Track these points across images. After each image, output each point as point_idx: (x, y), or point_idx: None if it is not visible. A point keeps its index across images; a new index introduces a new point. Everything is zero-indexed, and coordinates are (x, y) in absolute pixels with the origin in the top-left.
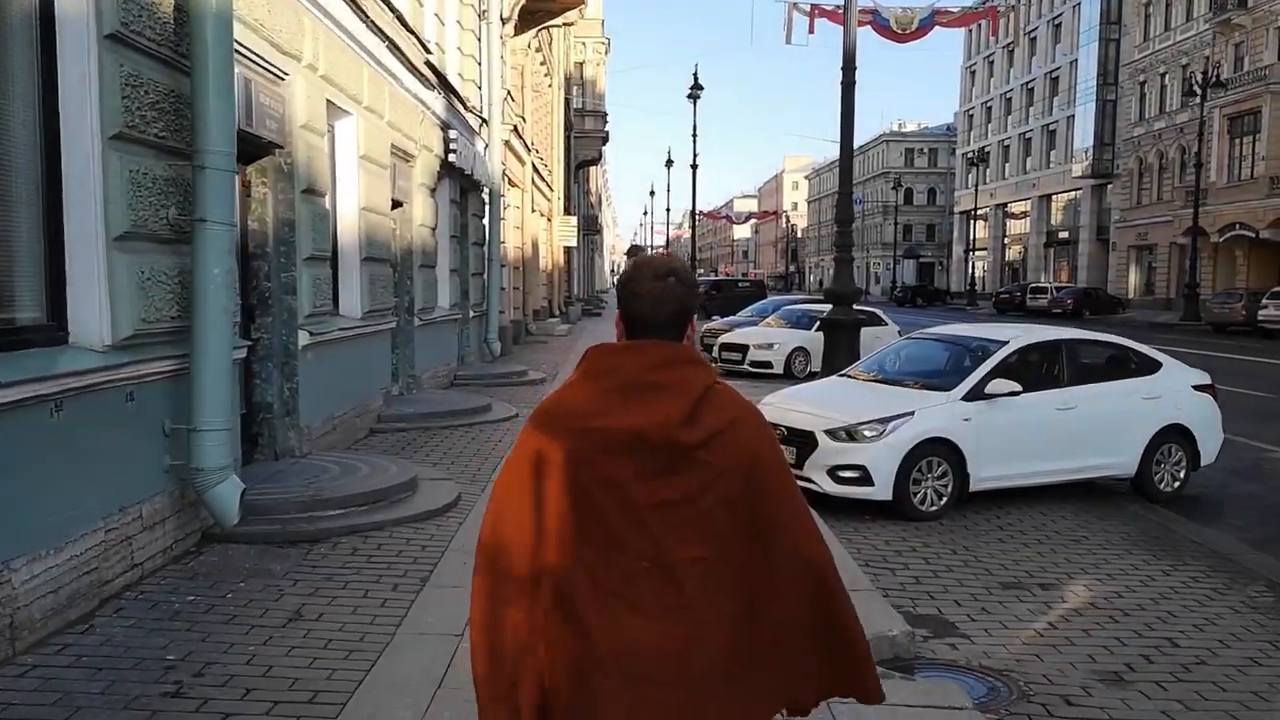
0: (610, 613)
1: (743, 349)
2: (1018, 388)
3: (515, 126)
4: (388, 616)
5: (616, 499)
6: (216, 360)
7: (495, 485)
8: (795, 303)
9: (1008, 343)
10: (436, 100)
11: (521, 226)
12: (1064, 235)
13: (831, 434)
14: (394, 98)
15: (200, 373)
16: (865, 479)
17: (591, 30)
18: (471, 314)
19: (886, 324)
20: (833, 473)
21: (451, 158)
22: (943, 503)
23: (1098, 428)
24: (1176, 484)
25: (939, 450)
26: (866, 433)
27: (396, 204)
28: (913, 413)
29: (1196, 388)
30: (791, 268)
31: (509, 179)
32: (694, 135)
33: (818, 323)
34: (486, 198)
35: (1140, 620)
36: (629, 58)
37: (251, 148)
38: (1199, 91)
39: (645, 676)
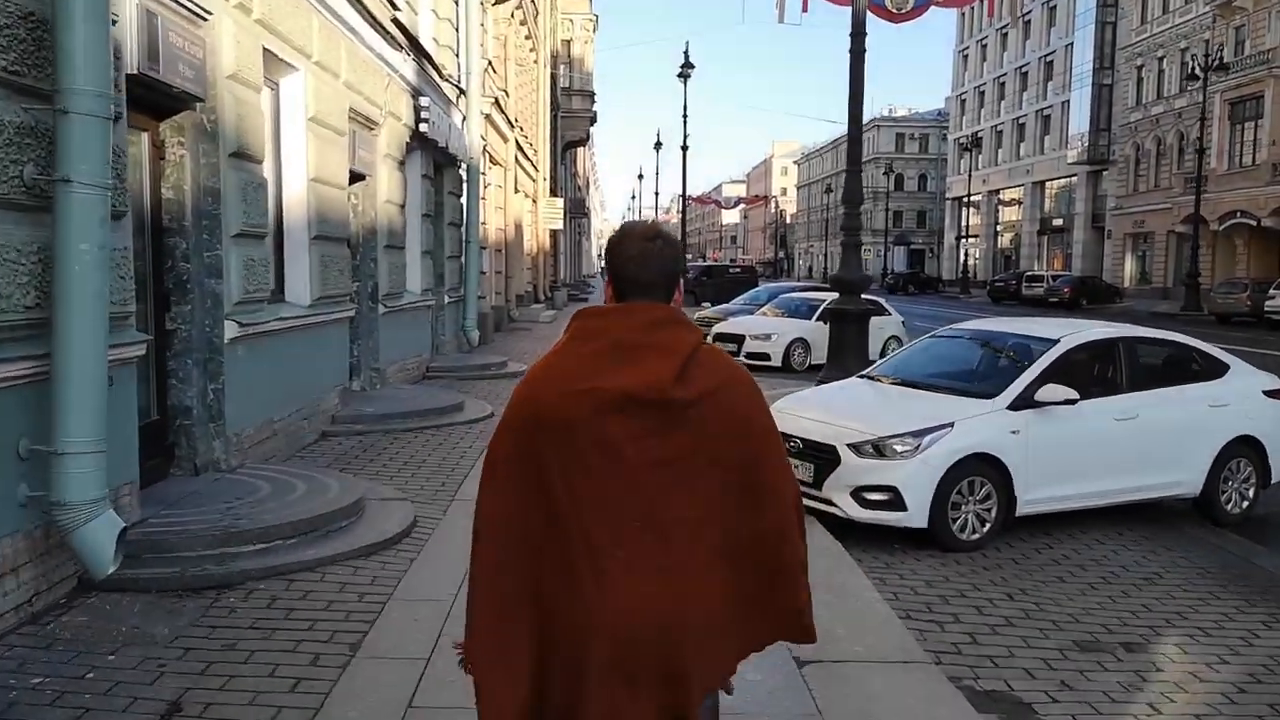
0: (604, 573)
1: (738, 339)
2: (1075, 395)
3: (497, 100)
4: (298, 709)
5: (610, 459)
6: (85, 361)
7: (488, 451)
8: (793, 290)
9: (1058, 341)
10: (406, 63)
11: (504, 207)
12: (1058, 222)
13: (857, 449)
14: (353, 55)
15: (63, 378)
16: (896, 502)
17: (579, 6)
18: (447, 300)
19: (890, 313)
20: (858, 495)
21: (423, 128)
22: (985, 530)
23: (1160, 441)
24: (1245, 504)
25: (982, 468)
26: (898, 448)
27: (358, 177)
28: (951, 424)
29: (1268, 393)
30: (781, 254)
31: (490, 156)
32: (684, 115)
33: (818, 312)
34: (464, 174)
35: (1262, 698)
36: (618, 36)
37: (161, 99)
38: (1200, 75)
39: (636, 636)
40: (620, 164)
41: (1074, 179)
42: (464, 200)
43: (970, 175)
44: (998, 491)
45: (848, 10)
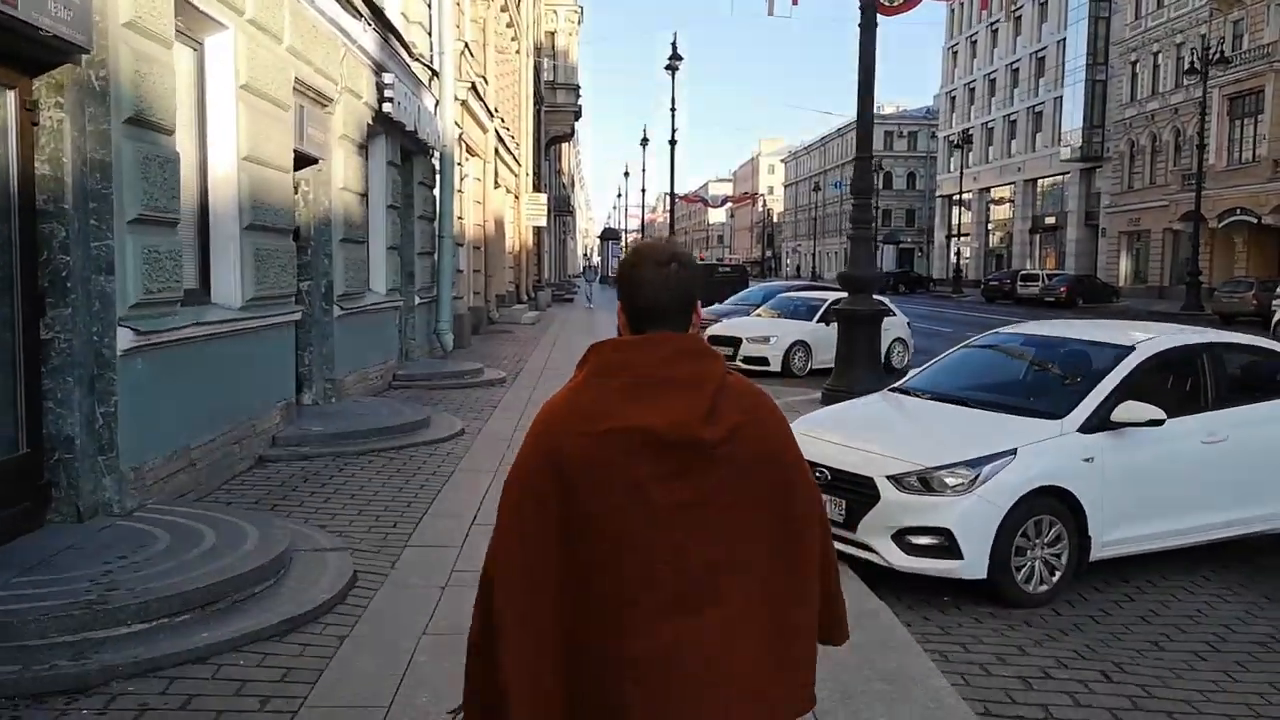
0: (630, 622)
1: (734, 343)
2: (1161, 415)
3: (474, 86)
4: None
5: (636, 502)
6: None
7: (504, 495)
8: (790, 289)
9: (1133, 349)
10: (366, 35)
11: (483, 201)
12: (1050, 220)
13: (899, 482)
14: (299, 18)
15: None
16: (950, 548)
17: None
18: (418, 300)
19: (895, 314)
20: (902, 538)
21: (388, 108)
22: (1055, 580)
23: (1256, 466)
24: None
25: (1051, 504)
26: (950, 480)
27: (308, 160)
28: (1014, 451)
29: None
30: (768, 253)
31: (467, 146)
32: (673, 109)
33: (819, 312)
34: (437, 163)
35: None
36: (604, 29)
37: (32, 47)
38: (1200, 69)
39: (669, 688)
40: (606, 163)
41: (1067, 176)
42: (437, 192)
43: (962, 173)
44: (1069, 533)
45: (837, 1)
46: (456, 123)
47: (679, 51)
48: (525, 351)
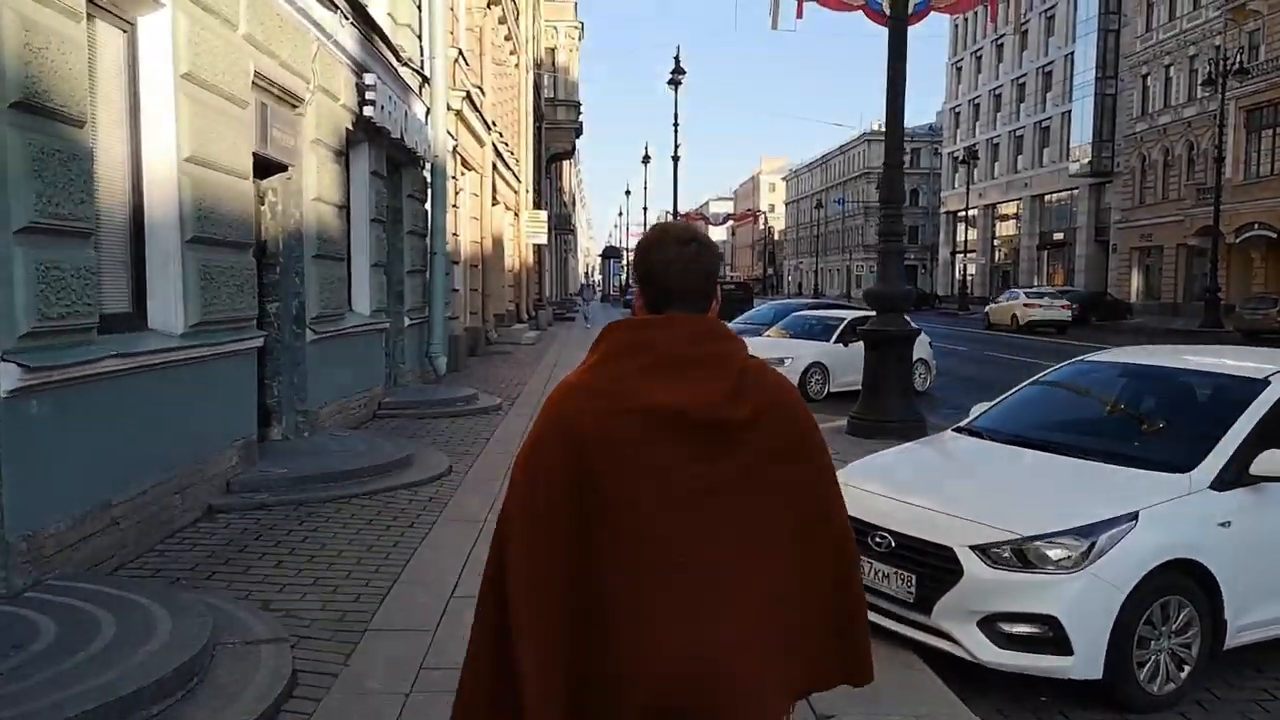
0: (646, 620)
1: None
2: None
3: (470, 96)
4: None
5: (656, 487)
6: None
7: (512, 477)
8: (803, 307)
9: (1269, 383)
10: (344, 31)
11: (480, 218)
12: (1059, 237)
13: (988, 554)
14: (259, 2)
15: None
16: (1056, 641)
17: (564, 14)
18: (408, 322)
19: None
20: (991, 626)
21: (369, 112)
22: (1184, 676)
23: None
24: None
25: (1181, 581)
26: (1053, 553)
27: (275, 167)
28: (1135, 515)
29: None
30: (769, 270)
31: (463, 159)
32: (675, 124)
33: (837, 332)
34: (429, 175)
35: None
36: (604, 46)
37: None
38: (1217, 80)
39: (680, 689)
40: (607, 182)
41: (1075, 192)
42: (429, 206)
43: (969, 189)
44: (1201, 616)
45: (841, 16)
46: (450, 133)
47: (681, 65)
48: (524, 374)
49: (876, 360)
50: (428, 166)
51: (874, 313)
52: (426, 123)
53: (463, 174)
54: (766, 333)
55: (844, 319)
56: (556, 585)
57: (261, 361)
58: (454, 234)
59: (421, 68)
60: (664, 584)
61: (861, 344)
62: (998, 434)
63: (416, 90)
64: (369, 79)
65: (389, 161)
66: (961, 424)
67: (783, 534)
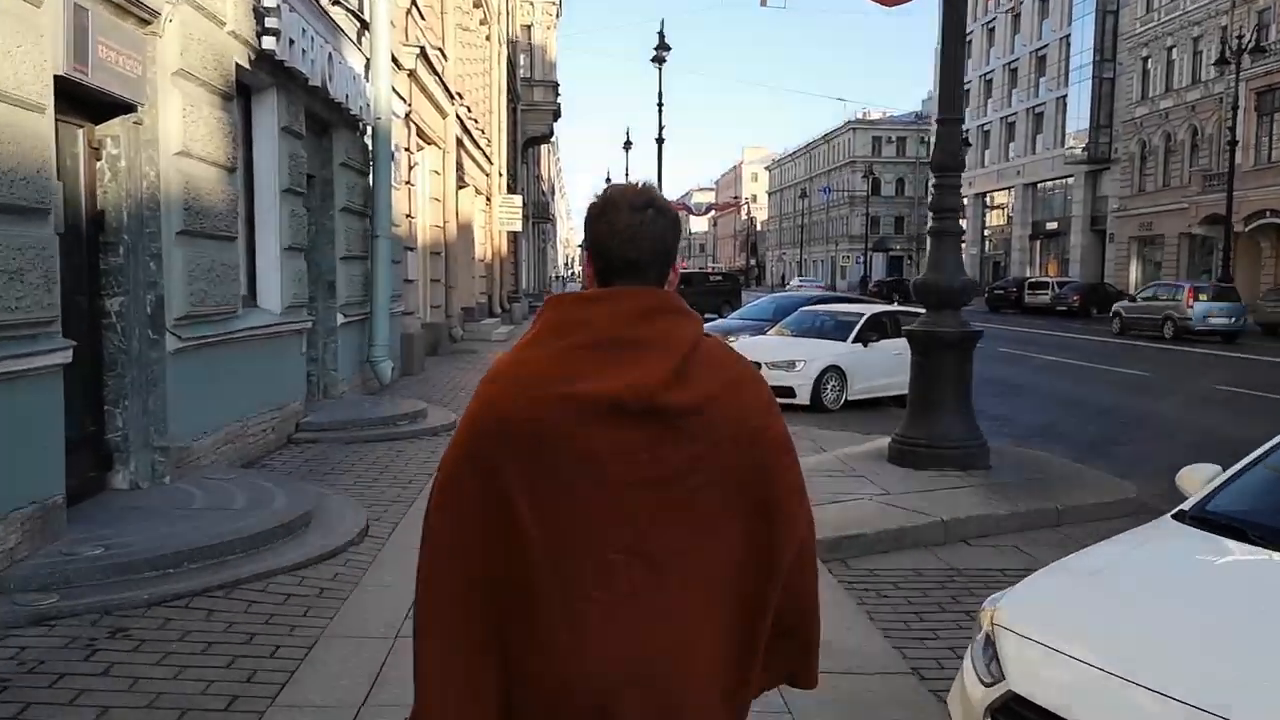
0: (582, 617)
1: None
2: None
3: (425, 54)
4: None
5: (592, 479)
6: None
7: (440, 470)
8: (810, 300)
9: None
10: None
11: (444, 199)
12: (1052, 226)
13: None
14: None
15: None
16: None
17: None
18: (342, 320)
19: None
20: None
21: (270, 45)
22: None
23: None
24: None
25: None
26: None
27: (115, 105)
28: None
29: None
30: (751, 261)
31: (420, 130)
32: (659, 105)
33: (854, 331)
34: (370, 142)
35: None
36: (583, 28)
37: None
38: (1231, 60)
39: (620, 694)
40: (587, 171)
41: (1070, 180)
42: (372, 179)
43: (959, 177)
44: None
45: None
46: (400, 95)
47: (666, 41)
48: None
49: (928, 369)
50: (369, 131)
51: (891, 306)
52: (367, 79)
53: (421, 147)
54: (770, 331)
55: (862, 315)
56: (477, 586)
57: (98, 381)
58: (409, 215)
59: (360, 9)
60: (600, 583)
61: (883, 344)
62: (1261, 530)
63: (354, 39)
64: (268, 3)
65: (313, 120)
66: (1187, 505)
67: (733, 531)
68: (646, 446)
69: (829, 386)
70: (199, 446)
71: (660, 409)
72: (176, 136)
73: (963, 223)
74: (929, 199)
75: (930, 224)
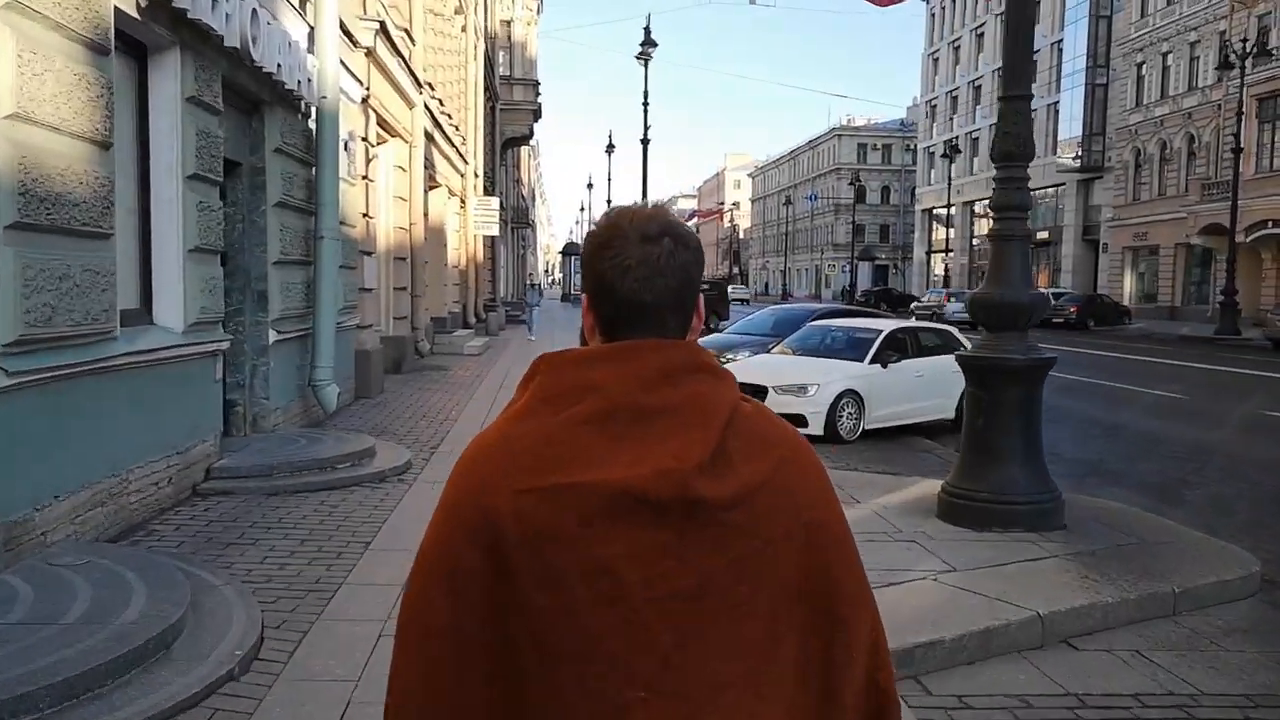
0: None
1: (758, 392)
2: None
3: (388, 33)
4: None
5: (603, 595)
6: None
7: (407, 588)
8: (822, 314)
9: None
10: None
11: (410, 199)
12: (1043, 235)
13: None
14: None
15: None
16: None
17: None
18: (275, 336)
19: (964, 346)
20: None
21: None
22: None
23: None
24: None
25: None
26: None
27: None
28: None
29: None
30: (735, 269)
31: (381, 120)
32: (645, 104)
33: (872, 350)
34: (314, 126)
35: None
36: (565, 30)
37: None
38: (1236, 64)
39: None
40: (569, 177)
41: (1062, 188)
42: (315, 170)
43: (949, 184)
44: None
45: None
46: (356, 77)
47: (653, 38)
48: (457, 403)
49: (988, 404)
50: (313, 113)
51: (910, 322)
52: (309, 51)
53: (383, 139)
54: (774, 349)
55: (880, 331)
56: None
57: None
58: (366, 215)
59: None
60: None
61: (904, 364)
62: None
63: (297, 5)
64: None
65: (236, 93)
66: None
67: (787, 658)
68: (675, 551)
69: (845, 414)
70: (44, 518)
71: (697, 502)
72: (7, 93)
73: (951, 232)
74: (994, 195)
75: (994, 226)
